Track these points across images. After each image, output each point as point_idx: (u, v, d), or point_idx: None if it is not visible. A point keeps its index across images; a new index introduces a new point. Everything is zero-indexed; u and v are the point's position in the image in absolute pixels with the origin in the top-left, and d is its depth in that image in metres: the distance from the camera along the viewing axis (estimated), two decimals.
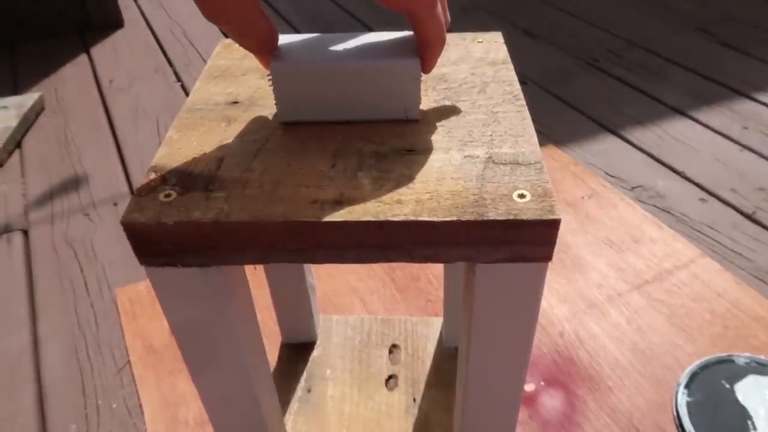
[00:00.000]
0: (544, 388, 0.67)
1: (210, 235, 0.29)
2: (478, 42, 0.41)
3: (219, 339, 0.35)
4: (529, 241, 0.28)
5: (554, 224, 0.27)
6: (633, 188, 0.97)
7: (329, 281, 0.81)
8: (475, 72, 0.39)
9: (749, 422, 0.62)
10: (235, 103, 0.37)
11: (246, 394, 0.39)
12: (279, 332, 0.66)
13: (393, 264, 0.83)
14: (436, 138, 0.33)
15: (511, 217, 0.27)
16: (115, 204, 1.00)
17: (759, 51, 1.35)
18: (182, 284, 0.32)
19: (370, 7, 1.66)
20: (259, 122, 0.35)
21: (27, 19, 1.55)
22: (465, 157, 0.31)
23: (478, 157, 0.31)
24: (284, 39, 0.41)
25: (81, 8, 1.59)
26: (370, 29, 1.53)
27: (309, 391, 0.61)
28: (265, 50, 0.32)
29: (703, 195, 0.95)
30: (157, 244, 0.29)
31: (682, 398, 0.64)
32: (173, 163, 0.32)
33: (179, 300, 0.33)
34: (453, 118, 0.34)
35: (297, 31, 1.53)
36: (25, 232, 0.95)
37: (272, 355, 0.65)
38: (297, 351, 0.65)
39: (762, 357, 0.68)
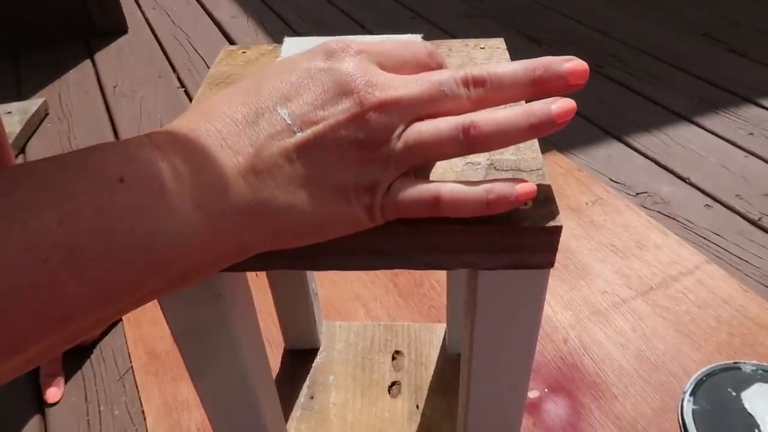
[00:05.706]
0: (548, 395, 0.66)
1: None
2: (481, 48, 0.41)
3: (221, 345, 0.35)
4: (531, 247, 0.28)
5: (556, 231, 0.27)
6: (637, 194, 0.97)
7: (332, 287, 0.81)
8: None
9: (756, 431, 0.61)
10: None
11: (248, 400, 0.39)
12: (282, 338, 0.66)
13: (396, 270, 0.83)
14: None
15: (512, 224, 0.27)
16: None
17: (765, 57, 1.35)
18: (185, 290, 0.32)
19: (372, 12, 1.67)
20: None
21: (31, 25, 1.57)
22: (467, 163, 0.31)
23: (479, 163, 0.31)
24: (289, 42, 0.41)
25: (85, 14, 1.60)
26: (369, 33, 1.53)
27: (312, 397, 0.61)
28: None
29: (709, 201, 0.95)
30: None
31: (688, 406, 0.64)
32: None
33: (182, 305, 0.33)
34: None
35: (298, 34, 1.53)
36: None
37: (275, 362, 0.65)
38: (300, 357, 0.65)
39: None
